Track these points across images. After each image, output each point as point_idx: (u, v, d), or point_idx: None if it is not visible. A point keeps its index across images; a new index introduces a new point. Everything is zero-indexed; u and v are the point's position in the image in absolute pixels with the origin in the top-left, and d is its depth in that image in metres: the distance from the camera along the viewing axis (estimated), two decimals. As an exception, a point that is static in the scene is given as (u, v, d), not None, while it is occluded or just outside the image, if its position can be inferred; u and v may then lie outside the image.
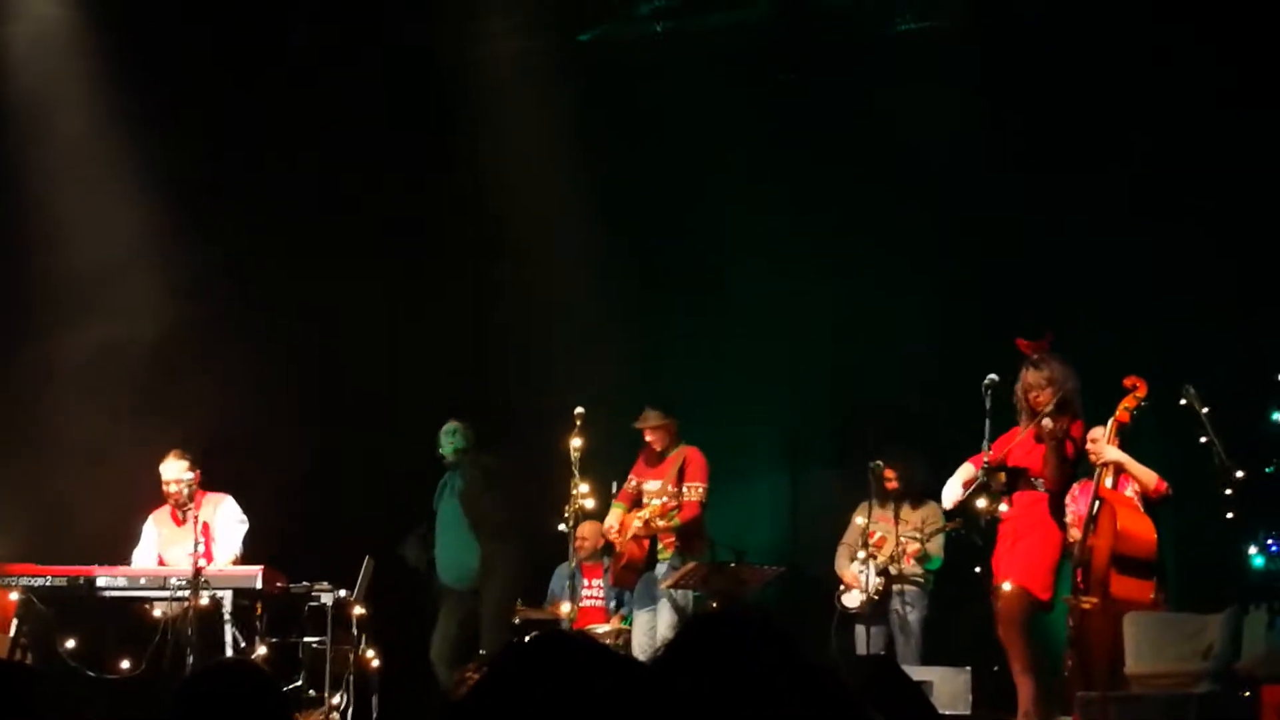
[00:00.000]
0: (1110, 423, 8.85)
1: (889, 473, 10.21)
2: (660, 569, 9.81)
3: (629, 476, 10.12)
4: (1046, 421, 8.29)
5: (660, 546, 9.88)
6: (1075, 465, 8.61)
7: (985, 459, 8.33)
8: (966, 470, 8.64)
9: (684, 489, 9.78)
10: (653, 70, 11.75)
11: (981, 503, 8.25)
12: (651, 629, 9.76)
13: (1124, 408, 8.79)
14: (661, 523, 9.68)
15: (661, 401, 10.05)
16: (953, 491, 8.68)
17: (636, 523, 9.72)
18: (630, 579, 10.02)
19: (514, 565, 10.49)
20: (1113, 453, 8.82)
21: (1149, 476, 8.95)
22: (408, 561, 10.78)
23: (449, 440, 10.64)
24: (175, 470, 9.51)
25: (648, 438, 9.99)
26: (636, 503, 10.05)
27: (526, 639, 2.31)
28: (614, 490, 10.12)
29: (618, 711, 2.07)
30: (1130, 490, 9.02)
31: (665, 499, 9.70)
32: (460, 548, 10.52)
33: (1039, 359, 8.45)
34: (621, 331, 11.56)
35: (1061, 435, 8.33)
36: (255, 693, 2.74)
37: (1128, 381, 8.81)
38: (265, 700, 2.76)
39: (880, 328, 11.26)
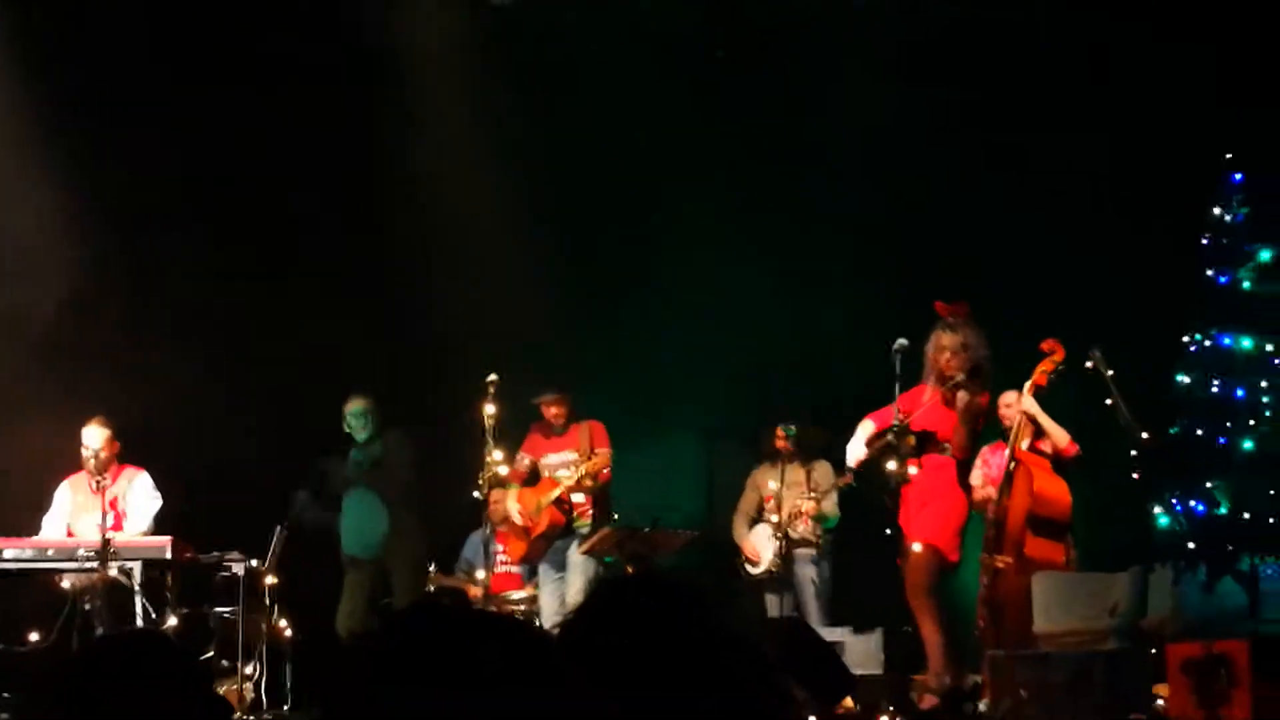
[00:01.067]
0: (1027, 385, 8.94)
1: (780, 434, 10.31)
2: (580, 534, 9.85)
3: (519, 455, 10.10)
4: (963, 394, 8.34)
5: (575, 515, 9.95)
6: (979, 433, 8.70)
7: (896, 419, 8.38)
8: (867, 428, 8.70)
9: (595, 455, 9.85)
10: (580, 46, 11.70)
11: (891, 464, 8.31)
12: (561, 595, 9.78)
13: (1041, 370, 8.87)
14: (590, 482, 9.75)
15: (556, 380, 10.15)
16: (856, 450, 8.75)
17: (567, 482, 9.75)
18: (541, 550, 10.01)
19: (422, 534, 10.46)
20: (1030, 403, 8.90)
21: (1062, 435, 9.05)
22: (304, 522, 10.40)
23: (358, 422, 10.46)
24: (92, 436, 9.44)
25: (550, 412, 10.04)
26: (530, 481, 10.10)
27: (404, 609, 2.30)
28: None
29: (511, 677, 2.06)
30: (1047, 449, 9.13)
31: (587, 463, 9.75)
32: (369, 518, 10.38)
33: (954, 322, 8.50)
34: (536, 301, 11.52)
35: (979, 410, 8.39)
36: (161, 661, 2.67)
37: (1045, 345, 8.88)
38: (173, 668, 2.68)
39: (800, 299, 11.34)
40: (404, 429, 10.51)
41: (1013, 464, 8.86)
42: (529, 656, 2.04)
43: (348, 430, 10.50)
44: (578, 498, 9.95)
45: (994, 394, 8.86)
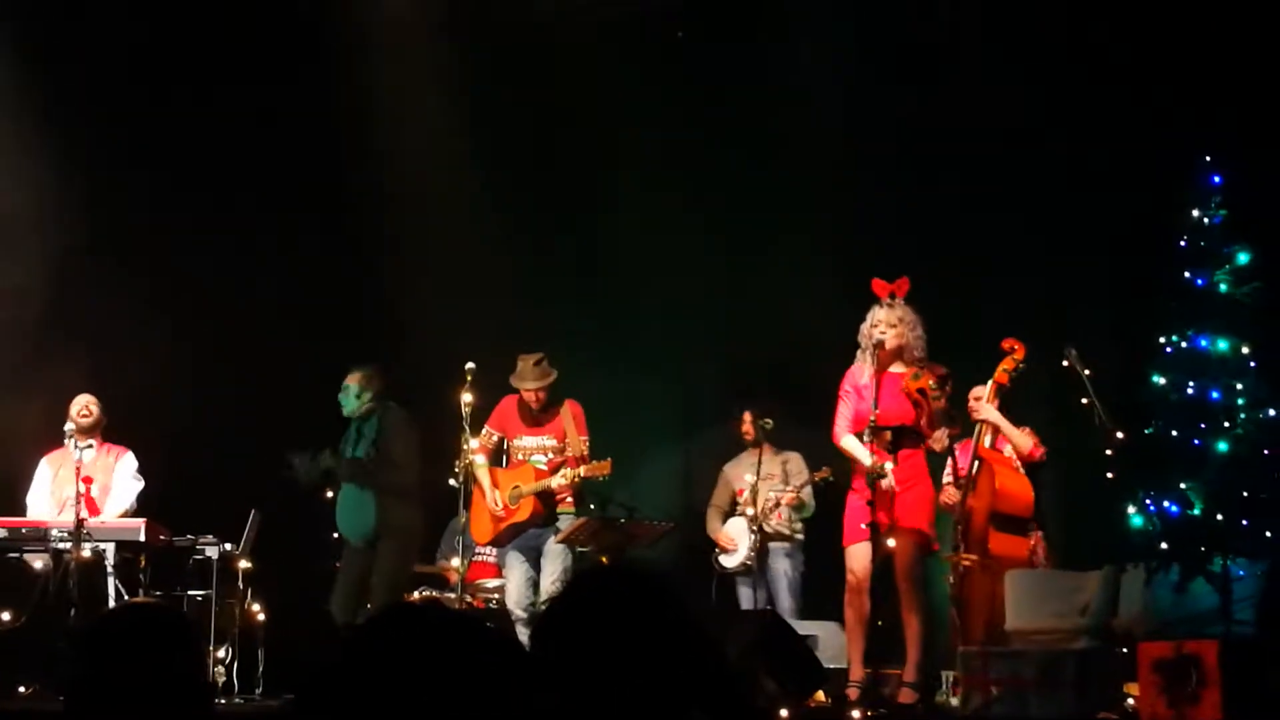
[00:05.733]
0: (990, 384, 9.01)
1: (746, 418, 10.36)
2: (561, 524, 9.54)
3: (485, 429, 9.69)
4: (942, 401, 8.31)
5: (557, 505, 9.59)
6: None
7: (870, 421, 8.31)
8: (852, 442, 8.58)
9: (581, 443, 9.51)
10: (547, 22, 11.70)
11: (868, 460, 8.29)
12: (530, 580, 9.54)
13: (1002, 369, 8.95)
14: (578, 480, 9.42)
15: (536, 354, 9.59)
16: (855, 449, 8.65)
17: (561, 481, 9.40)
18: (511, 535, 9.62)
19: (414, 526, 9.85)
20: (989, 412, 8.99)
21: (1024, 441, 9.13)
22: (296, 474, 9.79)
23: (343, 395, 9.79)
24: (83, 401, 9.43)
25: (531, 397, 9.58)
26: (497, 459, 9.77)
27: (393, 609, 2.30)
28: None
29: (486, 675, 2.08)
30: (1009, 450, 9.18)
31: (570, 454, 9.47)
32: (357, 503, 9.67)
33: (891, 302, 8.48)
34: (509, 288, 11.54)
35: (937, 393, 8.33)
36: (172, 632, 2.66)
37: (1006, 344, 8.95)
38: (181, 638, 2.67)
39: (770, 285, 11.36)
40: (407, 411, 9.81)
41: (976, 462, 8.93)
42: (500, 659, 2.05)
43: (345, 411, 9.84)
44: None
45: (956, 382, 8.76)
